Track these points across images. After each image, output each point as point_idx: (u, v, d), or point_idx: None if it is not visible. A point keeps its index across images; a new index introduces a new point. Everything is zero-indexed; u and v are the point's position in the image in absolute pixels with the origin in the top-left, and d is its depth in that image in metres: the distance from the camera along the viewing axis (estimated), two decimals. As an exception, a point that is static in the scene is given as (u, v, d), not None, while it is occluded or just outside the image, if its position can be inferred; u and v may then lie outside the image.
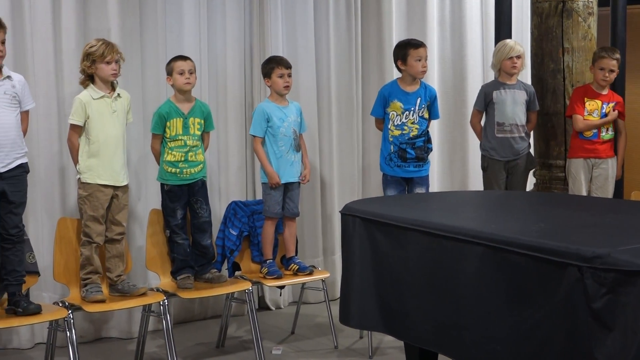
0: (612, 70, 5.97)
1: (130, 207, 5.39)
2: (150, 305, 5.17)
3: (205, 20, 6.12)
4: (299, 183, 5.71)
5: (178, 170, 5.27)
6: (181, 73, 5.29)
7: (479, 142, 6.31)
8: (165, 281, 5.36)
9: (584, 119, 5.99)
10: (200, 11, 6.10)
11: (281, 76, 5.61)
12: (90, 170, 4.98)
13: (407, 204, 4.66)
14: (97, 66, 4.98)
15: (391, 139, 5.84)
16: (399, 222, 3.86)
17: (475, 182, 7.16)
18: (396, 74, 6.00)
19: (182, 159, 5.28)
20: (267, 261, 5.63)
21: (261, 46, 6.33)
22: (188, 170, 5.30)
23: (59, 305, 4.85)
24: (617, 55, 6.01)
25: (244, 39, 6.34)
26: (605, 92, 6.04)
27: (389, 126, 5.84)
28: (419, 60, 5.82)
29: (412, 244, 3.77)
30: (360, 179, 6.97)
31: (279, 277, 5.58)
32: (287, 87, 5.64)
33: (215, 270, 5.47)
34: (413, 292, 3.76)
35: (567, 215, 4.10)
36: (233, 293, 5.49)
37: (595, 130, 6.00)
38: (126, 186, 5.14)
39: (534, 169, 6.38)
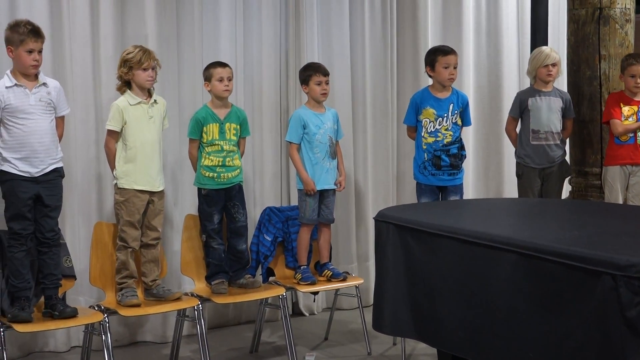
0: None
1: (165, 212, 5.43)
2: (184, 309, 5.20)
3: (241, 27, 6.16)
4: (334, 190, 5.73)
5: (215, 174, 5.31)
6: (220, 80, 5.33)
7: (514, 149, 6.29)
8: (199, 286, 5.40)
9: (623, 124, 5.95)
10: (237, 17, 6.14)
11: (319, 83, 5.63)
12: (127, 175, 5.03)
13: (441, 211, 4.67)
14: (134, 72, 5.03)
15: (425, 147, 5.84)
16: (432, 229, 3.88)
17: (510, 189, 7.13)
18: (431, 82, 6.00)
19: (220, 163, 5.32)
20: (301, 267, 5.64)
21: (297, 52, 6.36)
22: (225, 174, 5.34)
23: (94, 309, 4.90)
24: None
25: (280, 45, 6.38)
26: (639, 97, 5.99)
27: (422, 134, 5.84)
28: (447, 68, 5.81)
29: (445, 251, 3.78)
30: (395, 186, 6.96)
31: (313, 283, 5.59)
32: (325, 95, 5.66)
33: (250, 275, 5.49)
34: (445, 299, 3.77)
35: (602, 223, 4.09)
36: (267, 298, 5.52)
37: (632, 135, 5.96)
38: (162, 191, 5.18)
39: (569, 177, 6.34)
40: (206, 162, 5.32)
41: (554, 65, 6.07)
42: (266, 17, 6.27)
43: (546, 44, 6.41)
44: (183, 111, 5.84)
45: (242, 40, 6.17)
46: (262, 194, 6.28)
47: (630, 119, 5.95)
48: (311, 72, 5.65)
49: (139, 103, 5.05)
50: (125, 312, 4.91)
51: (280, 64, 6.38)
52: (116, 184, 5.06)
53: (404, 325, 4.06)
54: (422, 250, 3.94)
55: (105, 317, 4.75)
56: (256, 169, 6.25)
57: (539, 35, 6.54)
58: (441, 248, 3.82)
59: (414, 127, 5.93)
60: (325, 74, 5.67)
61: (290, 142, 5.63)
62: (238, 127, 5.41)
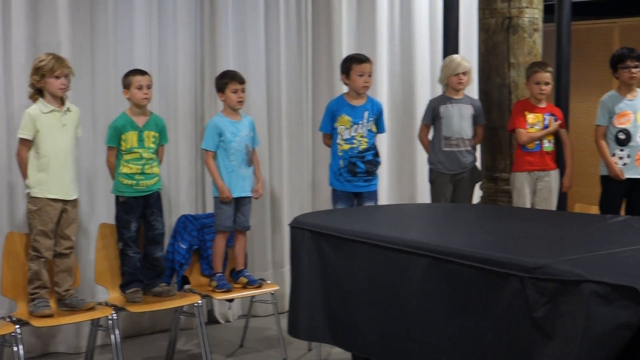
0: (547, 83, 6.07)
1: (79, 221, 5.36)
2: (98, 319, 5.15)
3: (156, 34, 6.13)
4: (250, 197, 5.74)
5: (134, 182, 5.28)
6: (139, 88, 5.31)
7: (426, 155, 6.39)
8: (114, 295, 5.35)
9: (527, 133, 6.09)
10: (151, 24, 6.11)
11: (235, 91, 5.64)
12: (39, 184, 4.96)
13: (355, 216, 4.71)
14: (46, 80, 4.96)
15: (340, 154, 5.90)
16: (346, 235, 3.92)
17: (423, 195, 7.24)
18: (346, 89, 6.07)
19: (139, 171, 5.29)
20: (217, 274, 5.64)
21: (212, 60, 6.35)
22: (144, 182, 5.31)
23: (6, 320, 4.81)
24: (550, 68, 6.12)
25: (195, 53, 6.36)
26: (543, 104, 6.15)
27: (338, 141, 5.90)
28: (361, 76, 5.89)
29: (360, 256, 3.82)
30: (310, 193, 7.00)
31: (228, 291, 5.59)
32: (241, 102, 5.68)
33: (165, 284, 5.47)
34: (360, 304, 3.81)
35: (511, 227, 4.18)
36: (182, 307, 5.50)
37: (538, 142, 6.10)
38: (76, 200, 5.12)
39: (480, 182, 6.47)
40: (125, 170, 5.28)
41: (465, 73, 6.19)
42: (181, 24, 6.25)
43: (457, 53, 6.53)
44: (97, 119, 5.79)
45: (157, 47, 6.14)
46: (178, 202, 6.25)
47: (536, 127, 6.10)
48: (227, 80, 5.66)
49: (52, 111, 4.99)
50: (37, 322, 4.83)
51: (195, 71, 6.37)
52: (29, 193, 4.99)
53: (319, 330, 4.09)
54: (337, 255, 3.97)
55: (17, 329, 4.68)
56: (171, 177, 6.22)
57: (450, 43, 6.65)
58: (356, 253, 3.86)
59: (329, 134, 5.99)
60: (242, 81, 5.69)
61: (205, 150, 5.63)
62: (157, 134, 5.40)
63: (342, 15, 7.06)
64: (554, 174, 6.19)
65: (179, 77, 6.27)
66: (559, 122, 6.12)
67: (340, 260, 3.95)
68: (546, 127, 6.10)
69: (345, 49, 6.96)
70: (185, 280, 5.72)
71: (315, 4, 6.98)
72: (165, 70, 6.20)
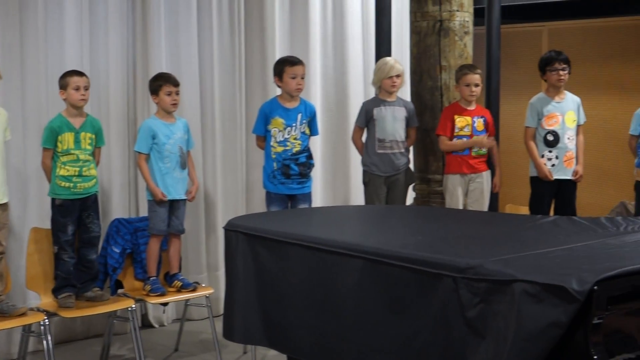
0: (476, 85, 6.16)
1: (10, 226, 5.28)
2: (30, 325, 5.07)
3: (87, 35, 6.06)
4: (185, 200, 5.71)
5: (72, 184, 5.23)
6: (77, 89, 5.26)
7: (360, 157, 6.43)
8: (46, 301, 5.27)
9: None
10: (82, 26, 6.03)
11: (169, 94, 5.61)
12: (-32, 188, 4.88)
13: (289, 219, 4.72)
14: (-27, 83, 4.89)
15: (274, 156, 5.90)
16: (281, 237, 3.92)
17: (357, 197, 7.29)
18: (279, 91, 6.07)
19: (76, 173, 5.24)
20: (151, 278, 5.60)
21: (144, 62, 6.30)
22: (82, 184, 5.26)
23: None
24: (479, 70, 6.21)
25: (127, 55, 6.30)
26: (473, 107, 6.23)
27: (272, 143, 5.91)
28: (294, 78, 5.91)
29: (294, 259, 3.83)
30: (244, 196, 6.99)
31: (163, 294, 5.56)
32: (175, 105, 5.65)
33: (97, 288, 5.41)
34: (295, 306, 3.82)
35: (444, 228, 4.23)
36: (115, 311, 5.44)
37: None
38: (6, 204, 5.04)
39: (413, 184, 6.53)
40: (62, 172, 5.22)
41: (398, 76, 6.23)
42: (113, 25, 6.19)
43: (390, 55, 6.58)
44: (28, 121, 5.70)
45: (88, 49, 6.07)
46: (110, 205, 6.18)
47: (465, 130, 6.17)
48: (161, 82, 5.63)
49: (-21, 114, 4.91)
50: (-33, 329, 4.75)
51: (128, 73, 6.31)
52: (-43, 197, 4.90)
53: (254, 333, 4.09)
54: (272, 258, 3.98)
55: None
56: (104, 180, 6.16)
57: (383, 46, 6.70)
58: (290, 256, 3.87)
59: (263, 137, 5.99)
60: (176, 84, 5.66)
61: (138, 152, 5.58)
62: (93, 136, 5.36)
63: (275, 17, 7.06)
64: (485, 176, 6.28)
65: (111, 79, 6.20)
66: (484, 140, 6.16)
67: (275, 263, 3.96)
68: (475, 129, 6.18)
69: (279, 51, 6.97)
70: (118, 285, 5.67)
71: (248, 6, 6.97)
72: (97, 72, 6.12)
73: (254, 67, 7.00)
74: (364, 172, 6.33)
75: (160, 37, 6.38)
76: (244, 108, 6.96)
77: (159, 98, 5.62)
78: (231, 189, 6.88)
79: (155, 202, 5.54)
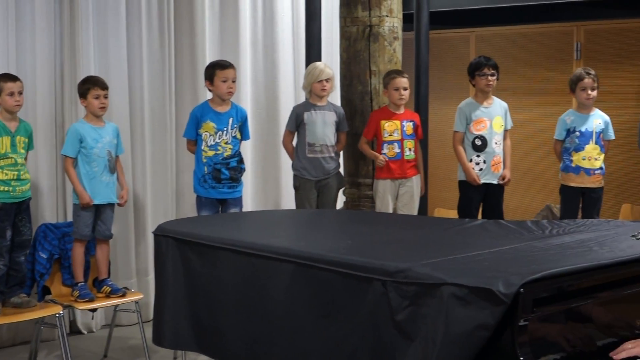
0: (405, 89, 6.22)
1: None
2: (-46, 332, 4.98)
3: (13, 39, 5.95)
4: (113, 205, 5.66)
5: (11, 188, 5.19)
6: (11, 94, 5.23)
7: (291, 162, 6.44)
8: (-30, 307, 5.18)
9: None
10: (8, 29, 5.92)
11: (97, 97, 5.56)
12: None
13: (220, 223, 4.70)
14: None
15: (205, 160, 5.89)
16: (211, 242, 3.91)
17: (288, 201, 7.29)
18: (210, 95, 6.05)
19: (15, 177, 5.21)
20: (79, 284, 5.53)
21: (72, 66, 6.22)
22: (20, 188, 5.24)
23: None
24: (406, 75, 6.28)
25: (55, 58, 6.21)
26: (401, 111, 6.30)
27: (202, 147, 5.89)
28: (225, 82, 5.91)
29: (225, 263, 3.82)
30: (174, 200, 6.94)
31: (91, 300, 5.50)
32: (103, 109, 5.60)
33: (24, 294, 5.33)
34: (226, 311, 3.81)
35: (374, 232, 4.26)
36: (43, 317, 5.36)
37: (398, 151, 6.24)
38: None
39: (343, 188, 6.56)
40: (1, 177, 5.14)
41: (328, 80, 6.26)
42: (40, 28, 6.09)
43: (320, 60, 6.61)
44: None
45: (14, 51, 5.97)
46: (37, 210, 6.09)
47: (394, 134, 6.23)
48: (89, 86, 5.57)
49: None
50: None
51: (55, 76, 6.22)
52: None
53: (184, 338, 4.06)
54: (202, 263, 3.96)
55: None
56: (31, 185, 6.06)
57: (313, 51, 6.73)
58: (221, 260, 3.86)
59: (194, 141, 5.97)
60: (104, 87, 5.61)
61: (65, 156, 5.52)
62: (27, 140, 5.33)
63: (205, 21, 7.03)
64: (415, 180, 6.34)
65: (38, 82, 6.11)
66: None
67: (205, 268, 3.94)
68: (404, 133, 6.24)
69: (209, 55, 6.94)
70: (46, 291, 5.58)
71: (178, 9, 6.92)
72: (24, 74, 6.01)
73: (183, 70, 6.96)
74: (295, 177, 6.34)
75: (89, 39, 6.31)
76: (174, 112, 6.91)
77: (87, 101, 5.56)
78: (161, 193, 6.83)
79: (81, 206, 5.49)
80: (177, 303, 4.07)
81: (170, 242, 4.12)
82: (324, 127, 6.25)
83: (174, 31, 6.90)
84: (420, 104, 6.89)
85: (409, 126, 6.28)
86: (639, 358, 2.93)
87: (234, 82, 5.97)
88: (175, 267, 4.08)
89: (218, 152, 5.89)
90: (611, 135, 6.39)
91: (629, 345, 2.95)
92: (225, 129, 5.91)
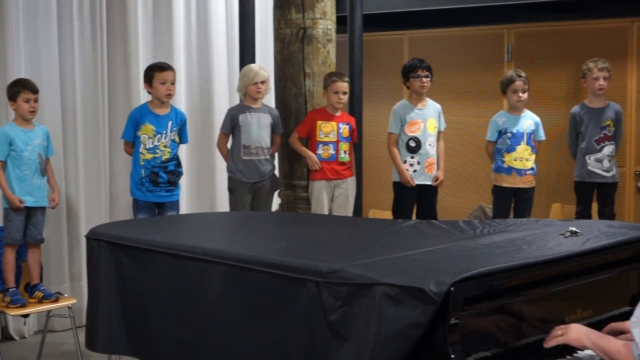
0: (344, 92, 6.26)
1: None
2: None
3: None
4: (44, 209, 5.59)
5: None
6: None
7: (226, 164, 6.42)
8: None
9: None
10: None
11: (27, 100, 5.50)
12: None
13: (153, 226, 4.67)
14: None
15: (142, 163, 5.85)
16: (144, 245, 3.89)
17: (223, 203, 7.27)
18: (145, 97, 6.01)
19: None
20: (10, 289, 5.46)
21: (2, 68, 6.13)
22: None
23: None
24: (346, 78, 6.33)
25: (-17, 61, 6.13)
26: (339, 113, 6.33)
27: (140, 150, 5.85)
28: (164, 84, 5.89)
29: (158, 267, 3.80)
30: (108, 204, 6.88)
31: (23, 306, 5.43)
32: (33, 112, 5.55)
33: (-46, 301, 5.26)
34: (160, 315, 3.79)
35: (309, 233, 4.27)
36: (-27, 324, 5.29)
37: (333, 153, 6.27)
38: None
39: (278, 190, 6.57)
40: None
41: (263, 82, 6.27)
42: (-32, 30, 6.01)
43: (254, 62, 6.60)
44: None
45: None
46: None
47: (330, 135, 6.26)
48: (19, 89, 5.50)
49: None
50: None
51: (-17, 79, 6.13)
52: None
53: (118, 343, 4.03)
54: (136, 266, 3.94)
55: None
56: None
57: (247, 53, 6.72)
58: (155, 264, 3.83)
59: (131, 143, 5.93)
60: (35, 91, 5.55)
61: (-6, 160, 5.45)
62: None
63: (138, 24, 6.98)
64: (350, 182, 6.38)
65: (-34, 85, 6.02)
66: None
67: (139, 271, 3.92)
68: (340, 135, 6.28)
69: (142, 58, 6.90)
70: (-24, 297, 5.50)
71: (110, 12, 6.85)
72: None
73: (116, 73, 6.90)
74: (229, 179, 6.33)
75: (19, 42, 6.21)
76: (107, 115, 6.84)
77: (17, 105, 5.50)
78: (94, 197, 6.75)
79: (11, 210, 5.41)
80: (111, 307, 4.04)
81: (103, 245, 4.08)
82: (259, 129, 6.25)
83: (106, 33, 6.83)
84: (354, 106, 6.93)
85: (345, 129, 6.32)
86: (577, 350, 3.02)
87: (173, 84, 5.96)
88: (108, 271, 4.05)
89: (156, 155, 5.86)
90: (542, 136, 6.50)
91: (558, 331, 3.04)
92: (164, 132, 5.88)
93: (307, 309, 3.10)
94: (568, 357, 3.07)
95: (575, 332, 3.00)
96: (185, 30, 7.43)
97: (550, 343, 3.04)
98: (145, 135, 5.85)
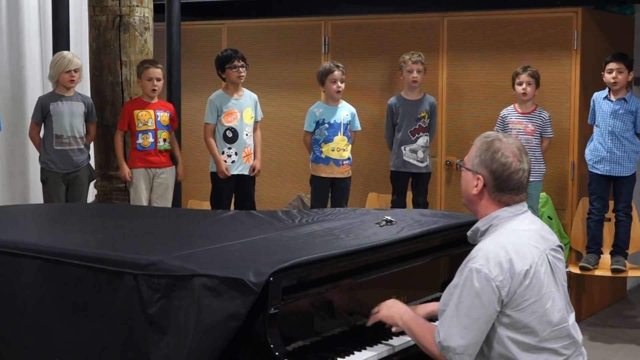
0: (158, 79, 6.19)
1: None
2: None
3: None
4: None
5: None
6: None
7: (38, 154, 6.23)
8: None
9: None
10: None
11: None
12: None
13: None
14: None
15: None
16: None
17: (36, 195, 7.07)
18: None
19: None
20: None
21: None
22: None
23: None
24: (160, 65, 6.28)
25: None
26: (155, 100, 6.26)
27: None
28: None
29: (-34, 262, 3.64)
30: None
31: None
32: None
33: None
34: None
35: (127, 225, 4.21)
36: None
37: (152, 141, 6.19)
38: None
39: (94, 181, 6.43)
40: None
41: (76, 70, 6.12)
42: None
43: (68, 49, 6.42)
44: None
45: None
46: None
47: (148, 123, 6.18)
48: None
49: None
50: None
51: None
52: None
53: None
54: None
55: None
56: None
57: (60, 39, 6.51)
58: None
59: None
60: None
61: None
62: None
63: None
64: (170, 171, 6.32)
65: None
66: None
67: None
68: (159, 123, 6.22)
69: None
70: None
71: None
72: None
73: None
74: (42, 170, 6.15)
75: None
76: None
77: None
78: None
79: None
80: None
81: None
82: (71, 118, 6.10)
83: None
84: (172, 95, 6.86)
85: (163, 116, 6.25)
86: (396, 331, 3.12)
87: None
88: None
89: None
90: (357, 126, 6.63)
91: (375, 310, 3.15)
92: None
93: (124, 303, 3.06)
94: (383, 342, 3.16)
95: (388, 310, 3.10)
96: (-6, 15, 7.15)
97: (369, 321, 3.14)
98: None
